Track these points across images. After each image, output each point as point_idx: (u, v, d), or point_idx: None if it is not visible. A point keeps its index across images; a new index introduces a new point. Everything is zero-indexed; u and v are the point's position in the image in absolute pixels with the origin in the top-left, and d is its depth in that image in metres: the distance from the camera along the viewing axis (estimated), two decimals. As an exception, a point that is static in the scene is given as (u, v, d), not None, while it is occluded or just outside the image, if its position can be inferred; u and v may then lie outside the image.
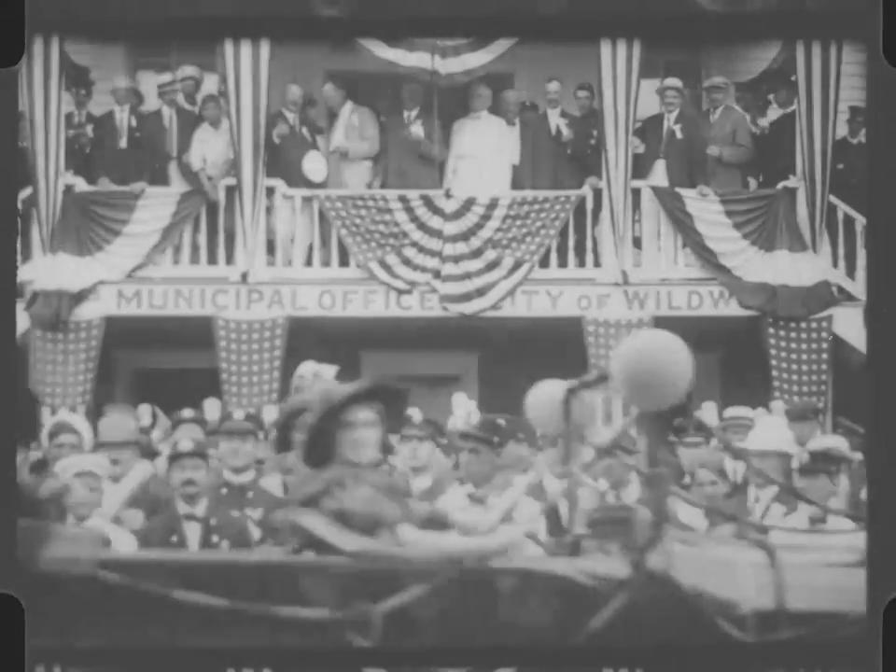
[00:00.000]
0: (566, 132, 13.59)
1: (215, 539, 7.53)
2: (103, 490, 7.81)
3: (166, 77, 13.69)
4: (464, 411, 11.27)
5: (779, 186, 13.44)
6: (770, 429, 9.33)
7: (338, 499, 5.26)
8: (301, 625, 5.11)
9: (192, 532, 7.54)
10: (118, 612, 5.16)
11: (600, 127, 13.20)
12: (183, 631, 5.19)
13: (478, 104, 13.57)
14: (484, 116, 13.59)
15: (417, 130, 13.42)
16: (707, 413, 11.28)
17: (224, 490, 8.16)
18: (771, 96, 13.90)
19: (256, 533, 7.85)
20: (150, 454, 9.06)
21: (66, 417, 9.45)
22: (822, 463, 8.25)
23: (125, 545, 7.39)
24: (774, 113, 13.90)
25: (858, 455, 9.24)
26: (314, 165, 13.38)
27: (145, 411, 10.96)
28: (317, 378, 10.67)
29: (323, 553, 5.16)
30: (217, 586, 5.10)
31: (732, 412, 10.58)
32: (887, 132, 5.44)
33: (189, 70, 13.61)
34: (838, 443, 9.22)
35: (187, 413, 9.97)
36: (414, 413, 8.81)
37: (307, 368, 10.94)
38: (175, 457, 7.74)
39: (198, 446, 7.93)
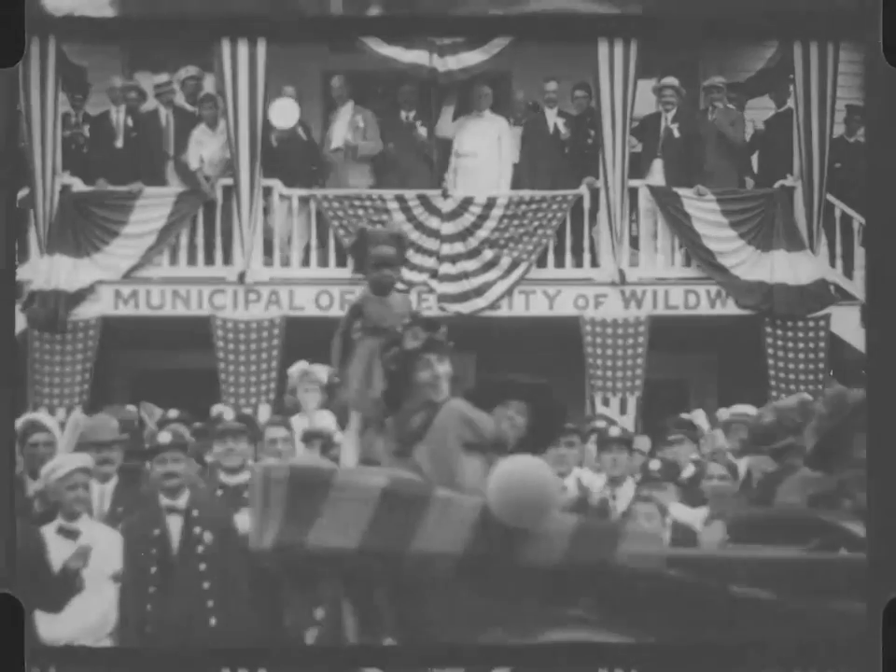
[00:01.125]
0: (563, 131, 13.59)
1: (197, 530, 7.55)
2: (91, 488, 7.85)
3: (163, 78, 13.66)
4: None
5: (776, 185, 13.43)
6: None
7: (858, 498, 5.51)
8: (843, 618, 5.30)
9: (174, 525, 7.56)
10: (682, 607, 5.41)
11: (597, 126, 13.19)
12: (736, 625, 5.39)
13: (480, 102, 13.56)
14: (487, 115, 13.59)
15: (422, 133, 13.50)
16: (698, 418, 11.23)
17: (219, 492, 8.17)
18: (767, 95, 13.92)
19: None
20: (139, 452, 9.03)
21: (36, 416, 9.42)
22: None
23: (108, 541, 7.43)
24: (767, 112, 13.92)
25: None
26: (282, 109, 13.31)
27: (140, 410, 10.95)
28: (305, 377, 10.68)
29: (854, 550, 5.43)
30: (766, 581, 5.37)
31: (734, 409, 10.56)
32: (886, 131, 5.45)
33: (191, 70, 13.58)
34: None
35: (172, 412, 9.96)
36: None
37: (296, 367, 10.96)
38: (156, 451, 7.73)
39: (176, 439, 7.95)
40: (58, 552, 7.28)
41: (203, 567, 7.51)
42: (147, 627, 7.36)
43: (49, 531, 7.35)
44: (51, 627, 7.01)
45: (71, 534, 7.29)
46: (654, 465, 8.45)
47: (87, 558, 7.13)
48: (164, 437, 7.87)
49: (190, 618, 7.40)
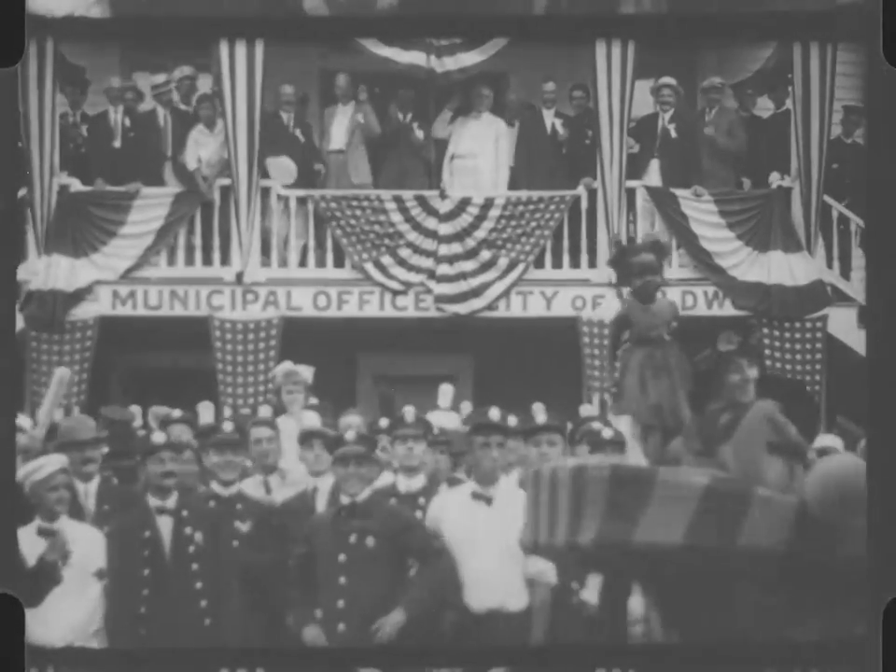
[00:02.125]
0: (561, 131, 13.60)
1: (188, 531, 7.54)
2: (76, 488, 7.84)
3: (160, 78, 13.65)
4: (449, 402, 11.23)
5: (774, 185, 13.44)
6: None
7: None
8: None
9: (165, 525, 7.55)
10: None
11: (595, 127, 13.20)
12: None
13: (479, 104, 13.57)
14: (485, 116, 13.59)
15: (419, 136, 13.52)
16: None
17: (212, 503, 8.09)
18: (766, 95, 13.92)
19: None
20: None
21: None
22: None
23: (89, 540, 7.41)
24: (767, 112, 13.92)
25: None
26: (280, 167, 13.33)
27: (137, 411, 10.94)
28: (289, 378, 10.67)
29: None
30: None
31: None
32: (886, 131, 5.45)
33: (186, 70, 13.58)
34: (833, 443, 9.18)
35: (176, 413, 9.92)
36: (408, 413, 8.77)
37: (280, 368, 10.96)
38: (152, 451, 7.70)
39: (172, 438, 7.95)
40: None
41: (195, 567, 7.51)
42: (142, 630, 7.37)
43: (28, 531, 7.31)
44: (37, 629, 6.96)
45: (51, 534, 7.25)
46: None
47: (63, 550, 7.11)
48: (159, 437, 7.85)
49: (184, 618, 7.40)
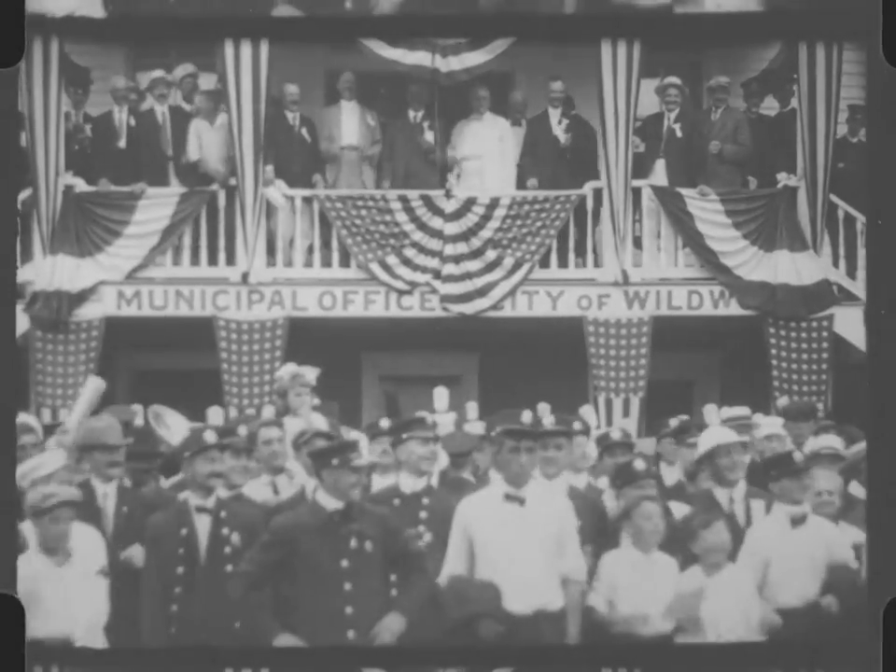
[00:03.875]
0: (563, 138, 13.59)
1: (225, 531, 7.51)
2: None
3: (156, 73, 13.59)
4: (446, 404, 11.18)
5: (780, 185, 13.42)
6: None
7: None
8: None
9: (202, 524, 7.53)
10: None
11: (601, 126, 13.19)
12: None
13: (478, 105, 13.56)
14: (487, 116, 13.59)
15: (429, 138, 13.50)
16: (709, 414, 11.19)
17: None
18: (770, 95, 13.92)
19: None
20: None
21: (23, 418, 9.33)
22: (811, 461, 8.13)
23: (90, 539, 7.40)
24: (773, 111, 13.91)
25: (850, 453, 9.11)
26: (275, 195, 13.31)
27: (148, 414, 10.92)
28: (295, 380, 10.64)
29: None
30: None
31: (731, 412, 10.50)
32: (886, 131, 5.44)
33: (188, 68, 13.55)
34: (833, 442, 9.11)
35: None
36: (425, 416, 8.69)
37: (286, 370, 10.93)
38: (203, 449, 7.63)
39: (223, 438, 7.90)
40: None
41: (229, 568, 7.46)
42: (172, 627, 7.35)
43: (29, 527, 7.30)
44: (40, 628, 6.96)
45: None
46: (639, 465, 8.35)
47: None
48: (210, 436, 7.76)
49: (216, 619, 7.35)
